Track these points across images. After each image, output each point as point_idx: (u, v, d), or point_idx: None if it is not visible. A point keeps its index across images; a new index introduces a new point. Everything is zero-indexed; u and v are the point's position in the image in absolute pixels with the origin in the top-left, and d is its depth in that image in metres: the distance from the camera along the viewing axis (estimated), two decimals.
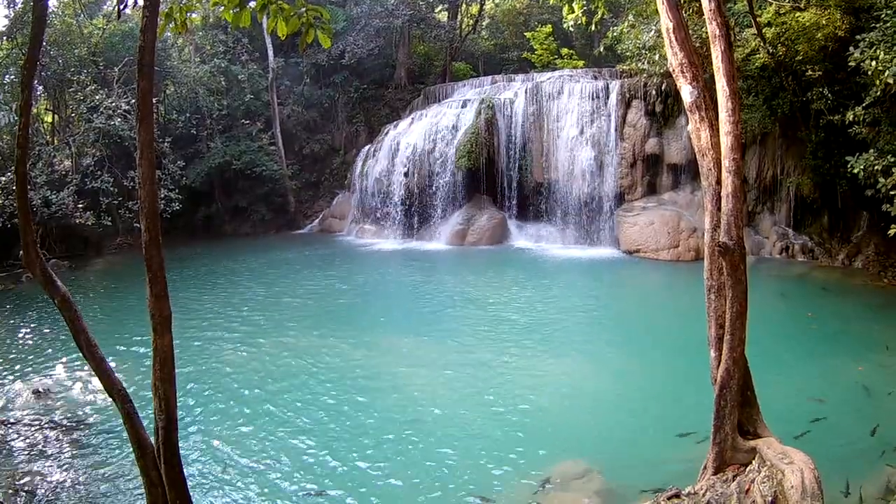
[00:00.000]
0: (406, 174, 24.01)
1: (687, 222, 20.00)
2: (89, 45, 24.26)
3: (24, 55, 6.74)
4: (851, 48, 12.52)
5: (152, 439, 4.80)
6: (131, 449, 4.95)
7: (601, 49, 23.63)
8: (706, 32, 6.05)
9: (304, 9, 4.45)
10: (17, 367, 11.13)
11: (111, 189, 21.92)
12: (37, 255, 4.87)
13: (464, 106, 24.25)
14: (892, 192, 12.10)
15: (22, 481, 7.24)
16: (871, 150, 12.93)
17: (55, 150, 23.11)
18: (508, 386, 9.88)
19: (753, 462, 5.40)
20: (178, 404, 4.85)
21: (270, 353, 11.52)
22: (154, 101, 5.56)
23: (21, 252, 4.93)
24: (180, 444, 4.88)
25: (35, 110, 24.37)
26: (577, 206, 22.49)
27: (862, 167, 12.78)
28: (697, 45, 11.90)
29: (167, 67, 25.08)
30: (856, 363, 10.21)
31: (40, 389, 9.87)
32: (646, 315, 14.57)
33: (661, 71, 18.68)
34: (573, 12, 9.37)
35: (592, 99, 22.53)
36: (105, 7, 27.96)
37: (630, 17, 19.62)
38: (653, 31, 17.97)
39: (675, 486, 5.77)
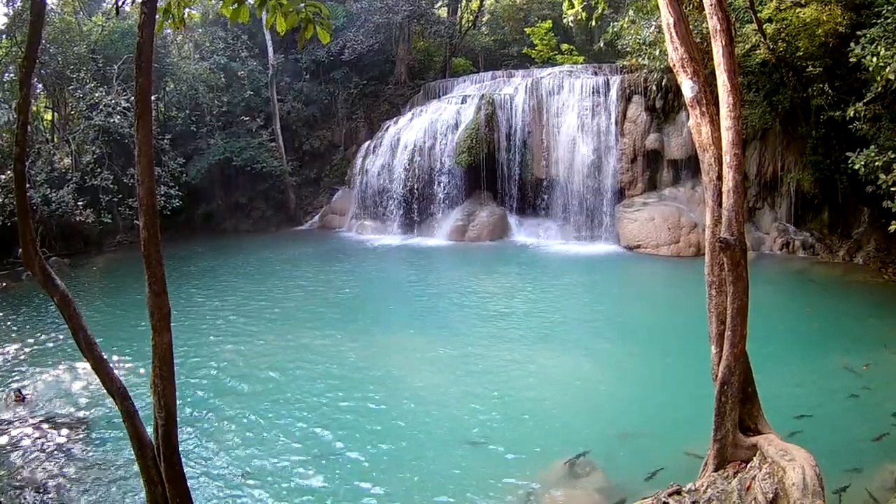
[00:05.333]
0: (406, 170, 23.97)
1: (687, 218, 19.97)
2: (88, 42, 24.22)
3: (23, 53, 6.72)
4: (852, 44, 12.50)
5: (152, 437, 4.80)
6: (131, 447, 4.94)
7: (601, 45, 23.59)
8: (707, 27, 6.02)
9: (302, 4, 4.42)
10: (17, 365, 11.13)
11: (111, 186, 21.92)
12: (36, 253, 4.86)
13: (464, 102, 24.18)
14: (892, 189, 12.10)
15: (21, 480, 7.24)
16: (872, 147, 12.91)
17: (55, 147, 23.11)
18: (509, 382, 9.88)
19: (754, 459, 5.39)
20: (178, 402, 4.85)
21: (271, 350, 11.52)
22: (153, 98, 5.53)
23: (20, 250, 4.92)
24: (180, 442, 4.88)
25: (34, 108, 24.35)
26: (578, 202, 22.44)
27: (863, 163, 12.76)
28: (698, 40, 11.82)
29: (166, 64, 25.05)
30: (855, 360, 10.19)
31: (40, 388, 9.86)
32: (646, 311, 14.55)
33: (662, 66, 18.62)
34: (573, 8, 9.35)
35: (593, 95, 22.44)
36: (104, 4, 27.91)
37: (630, 12, 19.55)
38: (653, 27, 17.92)
39: (676, 483, 5.76)
